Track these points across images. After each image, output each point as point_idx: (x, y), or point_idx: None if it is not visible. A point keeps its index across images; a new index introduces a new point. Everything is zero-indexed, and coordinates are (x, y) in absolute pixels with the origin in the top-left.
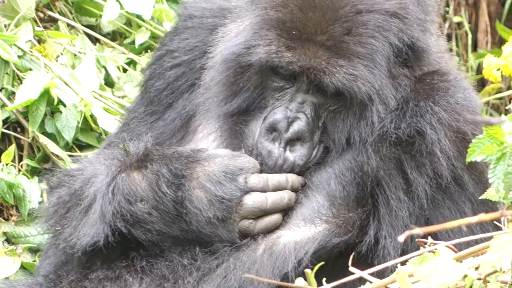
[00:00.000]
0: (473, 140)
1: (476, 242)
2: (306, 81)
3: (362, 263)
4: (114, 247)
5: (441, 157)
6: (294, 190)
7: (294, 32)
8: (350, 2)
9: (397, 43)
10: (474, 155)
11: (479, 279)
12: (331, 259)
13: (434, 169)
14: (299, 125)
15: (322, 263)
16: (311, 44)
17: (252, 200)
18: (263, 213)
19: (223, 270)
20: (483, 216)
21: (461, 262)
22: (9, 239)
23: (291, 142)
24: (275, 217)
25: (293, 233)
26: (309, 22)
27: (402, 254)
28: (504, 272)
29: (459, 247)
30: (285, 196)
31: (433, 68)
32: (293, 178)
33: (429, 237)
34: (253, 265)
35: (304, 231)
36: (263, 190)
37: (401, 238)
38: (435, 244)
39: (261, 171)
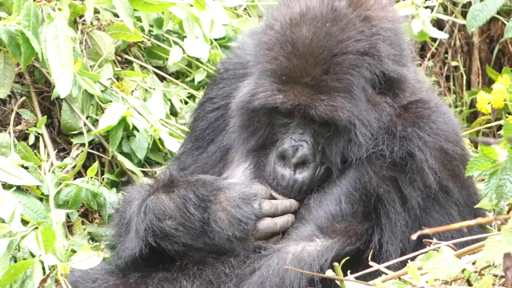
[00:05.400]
0: (471, 159)
1: (467, 242)
2: (298, 115)
3: (369, 265)
4: (151, 258)
5: (429, 172)
6: (294, 212)
7: (284, 78)
8: (327, 48)
9: (370, 76)
10: (472, 170)
11: (476, 272)
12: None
13: (424, 183)
14: (302, 151)
15: (347, 258)
16: (298, 86)
17: (265, 227)
18: (273, 235)
19: (258, 277)
20: (481, 220)
21: (461, 258)
22: (93, 238)
23: (298, 166)
24: (280, 236)
25: (315, 244)
26: (295, 69)
27: (401, 254)
28: (496, 266)
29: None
30: (289, 219)
31: (416, 97)
32: (295, 204)
33: (434, 238)
34: (286, 272)
35: (323, 242)
36: (274, 214)
37: (413, 237)
38: (438, 243)
39: (277, 191)
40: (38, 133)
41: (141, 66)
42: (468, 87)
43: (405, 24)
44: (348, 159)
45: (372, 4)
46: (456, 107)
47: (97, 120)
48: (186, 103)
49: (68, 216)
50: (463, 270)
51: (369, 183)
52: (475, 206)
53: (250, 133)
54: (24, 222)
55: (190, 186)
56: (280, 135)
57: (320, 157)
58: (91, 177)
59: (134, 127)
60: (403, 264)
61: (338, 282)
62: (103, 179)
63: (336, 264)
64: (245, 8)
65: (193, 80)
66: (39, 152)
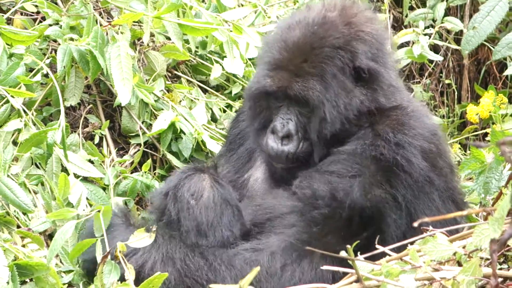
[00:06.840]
0: (463, 159)
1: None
2: (282, 96)
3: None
4: None
5: (417, 170)
6: None
7: (274, 66)
8: (309, 42)
9: (343, 66)
10: (464, 169)
11: (465, 254)
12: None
13: (412, 179)
14: (287, 127)
15: (358, 241)
16: (283, 72)
17: None
18: None
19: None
20: (471, 211)
21: (452, 243)
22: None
23: (284, 138)
24: None
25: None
26: (283, 59)
27: (397, 240)
28: (482, 250)
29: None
30: None
31: (396, 103)
32: None
33: (430, 226)
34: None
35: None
36: None
37: (415, 224)
38: (433, 230)
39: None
40: (102, 134)
41: (187, 80)
42: (459, 101)
43: (405, 48)
44: (323, 135)
45: (357, 13)
46: (448, 117)
47: (150, 125)
48: (224, 111)
49: (125, 203)
50: (454, 253)
51: (369, 191)
52: (465, 200)
53: (255, 116)
54: (91, 206)
55: (226, 204)
56: (274, 115)
57: (303, 133)
58: (145, 172)
59: (181, 131)
60: (399, 247)
61: (350, 262)
62: (155, 173)
63: (348, 246)
64: None
65: (230, 92)
66: (102, 150)
